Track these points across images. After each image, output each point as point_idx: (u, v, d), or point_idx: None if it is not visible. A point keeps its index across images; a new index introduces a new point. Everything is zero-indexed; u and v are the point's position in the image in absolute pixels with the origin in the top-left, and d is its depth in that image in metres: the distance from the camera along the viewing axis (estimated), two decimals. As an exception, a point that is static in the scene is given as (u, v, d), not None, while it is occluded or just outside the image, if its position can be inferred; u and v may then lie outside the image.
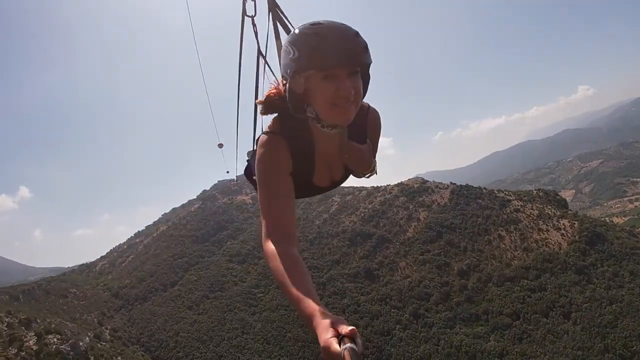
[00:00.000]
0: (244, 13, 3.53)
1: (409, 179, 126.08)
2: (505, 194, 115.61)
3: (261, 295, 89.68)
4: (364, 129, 2.66)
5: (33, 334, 33.89)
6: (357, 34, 2.10)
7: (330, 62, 2.03)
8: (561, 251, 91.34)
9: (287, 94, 2.24)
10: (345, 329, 1.47)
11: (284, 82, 2.28)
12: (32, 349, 30.08)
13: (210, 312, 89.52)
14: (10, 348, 30.45)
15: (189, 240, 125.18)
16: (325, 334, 1.48)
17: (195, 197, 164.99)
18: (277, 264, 1.92)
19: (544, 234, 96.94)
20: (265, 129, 2.50)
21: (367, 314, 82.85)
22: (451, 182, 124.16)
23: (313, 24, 2.09)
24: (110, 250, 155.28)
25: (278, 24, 3.32)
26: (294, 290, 1.76)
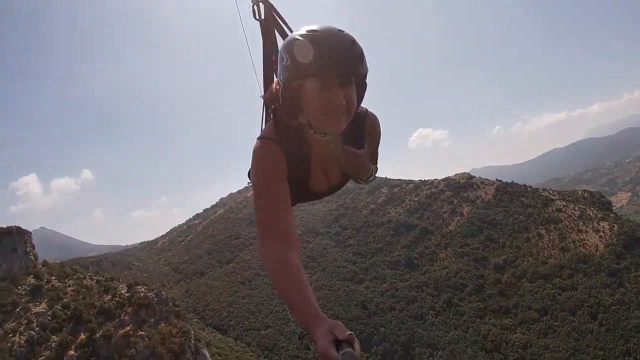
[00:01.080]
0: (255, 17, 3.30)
1: (455, 174, 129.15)
2: (550, 193, 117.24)
3: (308, 275, 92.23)
4: (362, 134, 2.65)
5: (124, 285, 42.05)
6: (353, 42, 2.07)
7: (324, 72, 2.01)
8: (597, 253, 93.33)
9: (280, 100, 2.25)
10: (342, 334, 1.47)
11: (278, 87, 2.28)
12: (124, 296, 38.05)
13: (261, 288, 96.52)
14: (105, 295, 38.55)
15: (245, 223, 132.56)
16: (323, 339, 1.47)
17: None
18: (273, 269, 1.95)
19: (582, 234, 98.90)
20: (261, 133, 2.51)
21: (403, 298, 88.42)
22: (497, 179, 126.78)
23: (309, 31, 2.06)
24: (170, 230, 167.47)
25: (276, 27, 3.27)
26: (291, 296, 1.78)
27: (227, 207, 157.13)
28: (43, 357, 31.48)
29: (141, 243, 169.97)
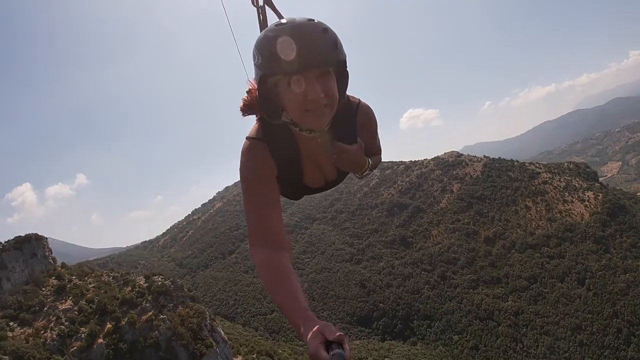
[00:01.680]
0: (254, 4, 3.10)
1: (444, 153, 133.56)
2: (536, 166, 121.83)
3: (308, 260, 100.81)
4: (354, 128, 2.53)
5: (142, 276, 45.80)
6: (325, 29, 1.96)
7: (294, 67, 1.90)
8: (583, 222, 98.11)
9: (259, 100, 2.16)
10: (332, 334, 1.47)
11: (254, 87, 2.23)
12: (143, 286, 41.74)
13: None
14: (125, 288, 42.26)
15: (243, 215, 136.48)
16: (313, 340, 1.47)
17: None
18: (264, 271, 1.92)
19: (568, 205, 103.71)
20: (248, 133, 2.39)
21: (400, 275, 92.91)
22: (485, 156, 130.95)
23: (277, 25, 1.97)
24: (171, 227, 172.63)
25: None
26: (282, 298, 1.76)
27: (224, 200, 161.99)
28: (75, 348, 35.18)
29: (142, 242, 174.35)
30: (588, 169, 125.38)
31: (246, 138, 2.33)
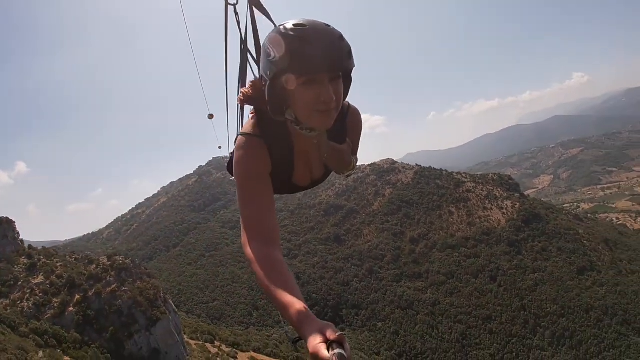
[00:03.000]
0: (227, 1, 3.24)
1: (380, 160, 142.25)
2: (462, 176, 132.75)
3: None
4: (344, 129, 2.61)
5: (105, 256, 51.74)
6: (341, 37, 2.00)
7: (313, 68, 1.92)
8: (499, 227, 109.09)
9: (266, 96, 2.13)
10: (333, 334, 1.41)
11: (263, 82, 2.16)
12: (107, 264, 47.62)
13: (206, 267, 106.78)
14: (90, 266, 48.13)
15: (188, 210, 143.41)
16: (314, 340, 1.42)
17: (192, 172, 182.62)
18: (260, 269, 1.83)
19: (487, 211, 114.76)
20: (243, 128, 2.42)
21: (332, 269, 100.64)
22: (417, 164, 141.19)
23: (296, 25, 1.96)
24: (114, 220, 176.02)
25: (256, 12, 3.17)
26: (280, 297, 1.69)
27: (169, 195, 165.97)
28: (49, 315, 40.84)
29: (85, 235, 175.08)
30: (511, 181, 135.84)
31: (242, 134, 2.34)
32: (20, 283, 44.04)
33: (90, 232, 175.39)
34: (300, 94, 1.99)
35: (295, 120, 2.12)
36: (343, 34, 2.02)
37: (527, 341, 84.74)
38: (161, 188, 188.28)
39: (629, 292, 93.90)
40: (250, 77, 3.08)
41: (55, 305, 41.46)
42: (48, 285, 43.45)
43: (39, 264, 47.13)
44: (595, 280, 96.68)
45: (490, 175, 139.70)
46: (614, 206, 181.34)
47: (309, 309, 1.62)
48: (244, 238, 2.01)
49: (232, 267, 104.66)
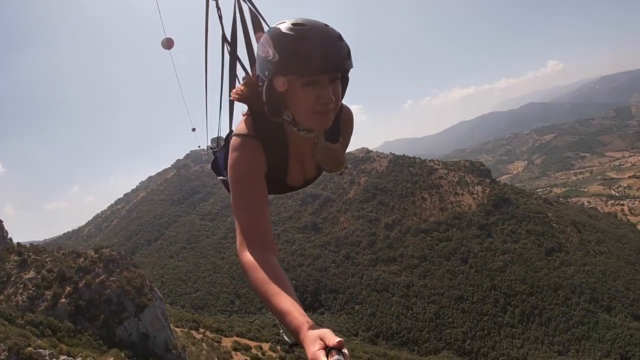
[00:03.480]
0: None
1: (356, 149, 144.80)
2: (435, 163, 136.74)
3: (228, 244, 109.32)
4: (337, 128, 2.56)
5: (92, 249, 54.23)
6: (340, 37, 1.97)
7: (313, 69, 1.90)
8: (470, 211, 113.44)
9: (264, 97, 2.09)
10: (332, 340, 1.41)
11: (260, 83, 2.12)
12: (94, 256, 49.89)
13: (188, 259, 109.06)
14: (78, 259, 50.60)
15: (167, 203, 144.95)
16: (313, 347, 1.42)
17: (170, 166, 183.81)
18: (256, 274, 1.81)
19: (459, 197, 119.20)
20: (237, 129, 2.33)
21: (310, 256, 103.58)
22: (391, 152, 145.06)
23: (295, 25, 1.94)
24: (94, 217, 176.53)
25: (244, 9, 3.13)
26: (278, 303, 1.68)
27: (148, 189, 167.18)
28: (42, 307, 42.99)
29: (65, 233, 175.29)
30: (482, 167, 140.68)
31: (236, 135, 2.27)
32: (12, 279, 46.16)
33: (71, 230, 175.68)
34: (299, 95, 1.98)
35: (292, 121, 2.12)
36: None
37: (498, 319, 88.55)
38: (140, 182, 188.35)
39: (596, 271, 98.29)
40: (227, 75, 3.15)
41: (48, 297, 43.71)
42: (40, 279, 45.63)
43: (29, 260, 49.18)
44: (563, 261, 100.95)
45: (462, 162, 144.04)
46: (585, 190, 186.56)
47: (307, 315, 1.62)
48: (239, 243, 2.01)
49: (213, 257, 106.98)
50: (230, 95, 2.65)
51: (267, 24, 3.02)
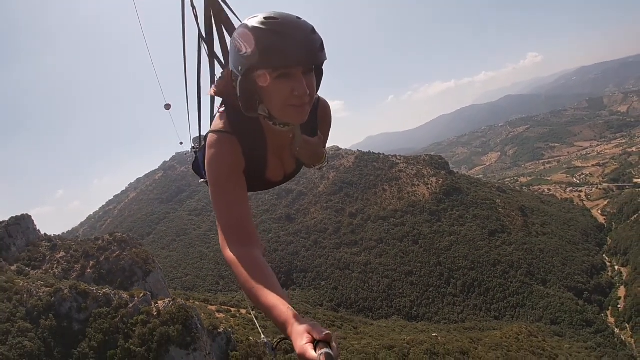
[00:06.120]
0: None
1: (327, 147, 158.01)
2: (397, 158, 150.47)
3: (213, 235, 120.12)
4: (315, 122, 2.60)
5: (107, 234, 68.96)
6: (313, 30, 1.96)
7: (287, 62, 1.88)
8: (423, 200, 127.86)
9: (237, 92, 2.07)
10: (320, 334, 1.43)
11: (234, 78, 2.11)
12: (110, 239, 63.86)
13: (178, 250, 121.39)
14: (97, 242, 64.88)
15: (157, 202, 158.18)
16: (301, 340, 1.44)
17: (157, 167, 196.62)
18: (241, 270, 1.81)
19: (415, 187, 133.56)
20: (213, 126, 2.35)
21: (284, 242, 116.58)
22: (358, 150, 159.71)
23: (267, 18, 1.91)
24: (87, 218, 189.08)
25: (218, 7, 3.07)
26: (264, 298, 1.69)
27: (138, 190, 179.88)
28: (74, 276, 52.57)
29: (62, 234, 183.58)
30: (441, 160, 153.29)
31: (212, 132, 2.26)
32: (47, 258, 60.32)
33: (66, 232, 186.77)
34: (273, 88, 1.97)
35: (268, 115, 2.11)
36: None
37: (442, 290, 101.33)
38: (129, 184, 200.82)
39: (535, 249, 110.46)
40: (205, 70, 3.17)
41: (77, 269, 58.08)
42: (69, 257, 60.09)
43: (58, 244, 63.65)
44: (504, 241, 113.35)
45: (422, 156, 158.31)
46: (549, 179, 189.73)
47: (293, 309, 1.63)
48: (222, 241, 2.00)
49: (200, 247, 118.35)
50: (208, 92, 2.74)
51: (239, 19, 2.98)
